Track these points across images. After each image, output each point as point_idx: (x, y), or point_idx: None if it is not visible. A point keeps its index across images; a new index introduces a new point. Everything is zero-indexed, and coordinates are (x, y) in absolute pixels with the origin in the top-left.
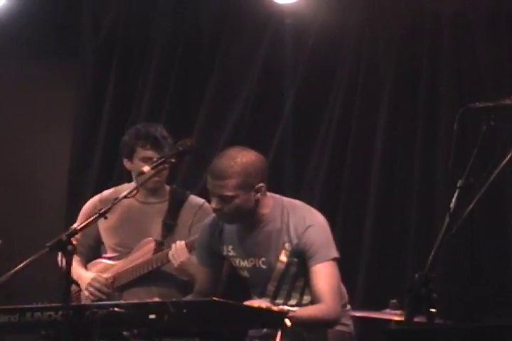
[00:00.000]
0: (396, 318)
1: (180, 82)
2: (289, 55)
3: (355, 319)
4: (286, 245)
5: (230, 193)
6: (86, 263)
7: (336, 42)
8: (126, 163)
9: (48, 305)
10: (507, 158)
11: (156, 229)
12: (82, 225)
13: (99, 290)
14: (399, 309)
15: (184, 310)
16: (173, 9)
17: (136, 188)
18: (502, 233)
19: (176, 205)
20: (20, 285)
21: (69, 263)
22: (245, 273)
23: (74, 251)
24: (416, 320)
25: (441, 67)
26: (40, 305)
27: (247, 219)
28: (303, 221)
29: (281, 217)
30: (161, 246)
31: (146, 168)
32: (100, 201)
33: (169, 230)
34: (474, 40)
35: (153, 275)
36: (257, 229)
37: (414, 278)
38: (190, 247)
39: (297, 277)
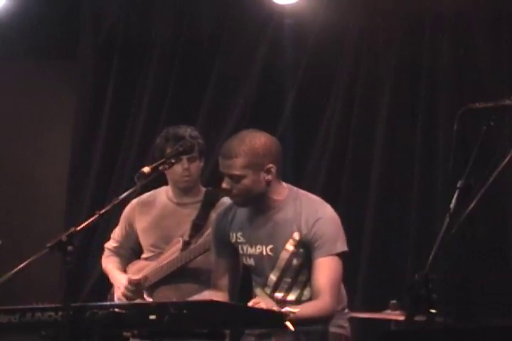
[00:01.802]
0: (396, 317)
1: (180, 82)
2: (289, 55)
3: (356, 319)
4: (295, 234)
5: (237, 172)
6: (127, 264)
7: (336, 42)
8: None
9: (48, 305)
10: (507, 159)
11: (186, 230)
12: (82, 226)
13: (124, 296)
14: (399, 310)
15: (184, 311)
16: (173, 9)
17: (135, 189)
18: (502, 233)
19: (208, 206)
20: (21, 285)
21: (69, 264)
22: (251, 261)
23: (74, 252)
24: (416, 318)
25: (441, 67)
26: (40, 306)
27: (259, 203)
28: (314, 212)
29: (294, 206)
30: (187, 245)
31: (147, 169)
32: (138, 203)
33: (197, 230)
34: (474, 40)
35: (180, 273)
36: (268, 216)
37: (414, 279)
38: None
39: (301, 270)
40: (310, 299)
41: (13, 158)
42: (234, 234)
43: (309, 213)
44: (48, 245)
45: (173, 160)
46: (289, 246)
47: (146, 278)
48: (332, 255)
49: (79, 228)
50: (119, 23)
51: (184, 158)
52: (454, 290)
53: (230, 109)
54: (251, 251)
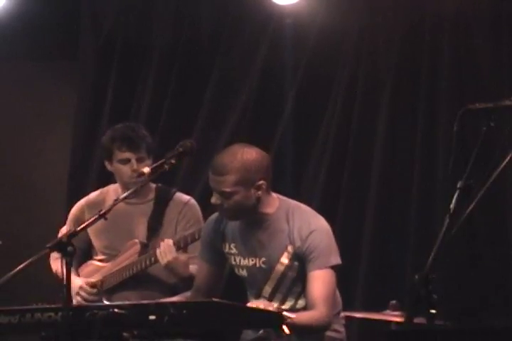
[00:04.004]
0: (396, 319)
1: (180, 83)
2: (289, 55)
3: (355, 320)
4: (289, 248)
5: (228, 189)
6: (78, 266)
7: (336, 43)
8: (107, 165)
9: (48, 306)
10: (507, 159)
11: (142, 231)
12: (82, 226)
13: (85, 300)
14: (399, 310)
15: (184, 311)
16: (174, 9)
17: (136, 190)
18: (502, 233)
19: (161, 205)
20: (21, 286)
21: (69, 265)
22: (244, 272)
23: (74, 253)
24: (416, 321)
25: (441, 67)
26: (40, 306)
27: (250, 217)
28: (307, 225)
29: (287, 218)
30: (146, 248)
31: (146, 170)
32: (87, 205)
33: (154, 231)
34: (474, 40)
35: (143, 278)
36: (261, 229)
37: (414, 279)
38: (177, 246)
39: (296, 282)
40: (304, 308)
41: (13, 159)
42: (227, 245)
43: (302, 225)
44: (48, 245)
45: (173, 161)
46: (284, 260)
47: (102, 281)
48: (326, 267)
49: (79, 228)
50: (119, 23)
51: (133, 159)
52: (454, 291)
53: (230, 109)
54: (244, 262)
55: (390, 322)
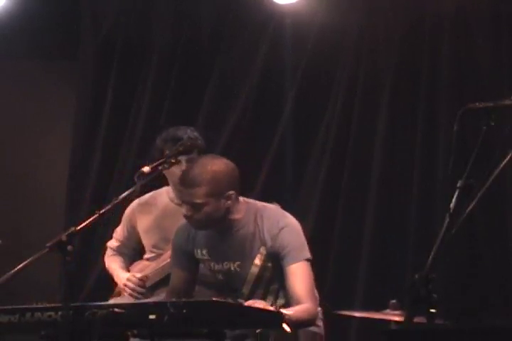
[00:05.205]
0: (396, 319)
1: (180, 82)
2: (289, 55)
3: (355, 319)
4: (261, 249)
5: (199, 200)
6: (130, 264)
7: (336, 42)
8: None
9: (48, 305)
10: (507, 159)
11: None
12: (82, 226)
13: (133, 290)
14: (399, 309)
15: (184, 311)
16: (174, 9)
17: (135, 189)
18: (502, 233)
19: None
20: (21, 285)
21: (69, 264)
22: (220, 277)
23: (74, 252)
24: (416, 320)
25: (441, 67)
26: (40, 306)
27: (219, 225)
28: (276, 223)
29: (255, 221)
30: None
31: (146, 169)
32: (139, 204)
33: None
34: (474, 40)
35: None
36: (231, 234)
37: (414, 279)
38: None
39: (272, 281)
40: (284, 306)
41: (13, 158)
42: (198, 251)
43: (271, 225)
44: (48, 245)
45: (173, 160)
46: (257, 261)
47: (147, 277)
48: (301, 261)
49: (79, 228)
50: (119, 23)
51: (183, 159)
52: (454, 291)
53: (230, 109)
54: (218, 267)
55: (390, 321)
